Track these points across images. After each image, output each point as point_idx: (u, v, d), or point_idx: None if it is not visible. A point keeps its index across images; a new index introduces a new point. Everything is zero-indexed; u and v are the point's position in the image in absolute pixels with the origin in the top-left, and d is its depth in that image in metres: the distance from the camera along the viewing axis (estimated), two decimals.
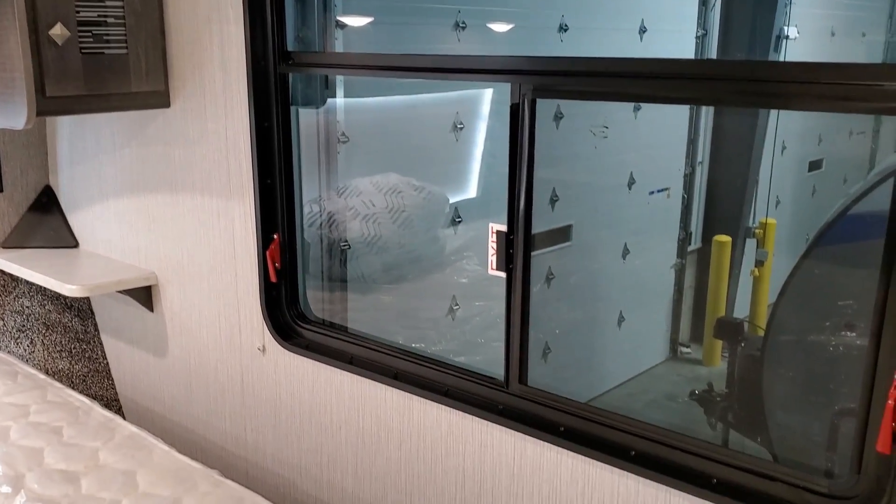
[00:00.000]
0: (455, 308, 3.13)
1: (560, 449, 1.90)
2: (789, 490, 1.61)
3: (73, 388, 3.37)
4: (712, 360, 4.24)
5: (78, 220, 3.29)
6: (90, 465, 2.35)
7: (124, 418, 3.25)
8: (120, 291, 2.97)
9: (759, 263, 3.96)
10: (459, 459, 2.12)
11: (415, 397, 2.20)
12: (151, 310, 3.02)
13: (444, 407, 2.13)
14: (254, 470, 2.77)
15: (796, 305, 2.43)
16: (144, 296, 3.00)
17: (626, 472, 1.80)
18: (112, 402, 3.48)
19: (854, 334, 2.16)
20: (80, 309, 3.47)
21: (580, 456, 1.87)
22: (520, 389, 2.01)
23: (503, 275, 1.97)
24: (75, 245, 3.32)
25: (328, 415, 2.45)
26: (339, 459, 2.45)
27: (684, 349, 4.32)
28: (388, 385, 2.25)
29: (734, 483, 1.67)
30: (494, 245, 1.97)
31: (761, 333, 2.88)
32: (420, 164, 3.59)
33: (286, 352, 2.53)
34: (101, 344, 3.48)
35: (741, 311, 4.04)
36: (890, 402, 1.40)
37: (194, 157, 2.63)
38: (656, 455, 1.78)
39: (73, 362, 3.49)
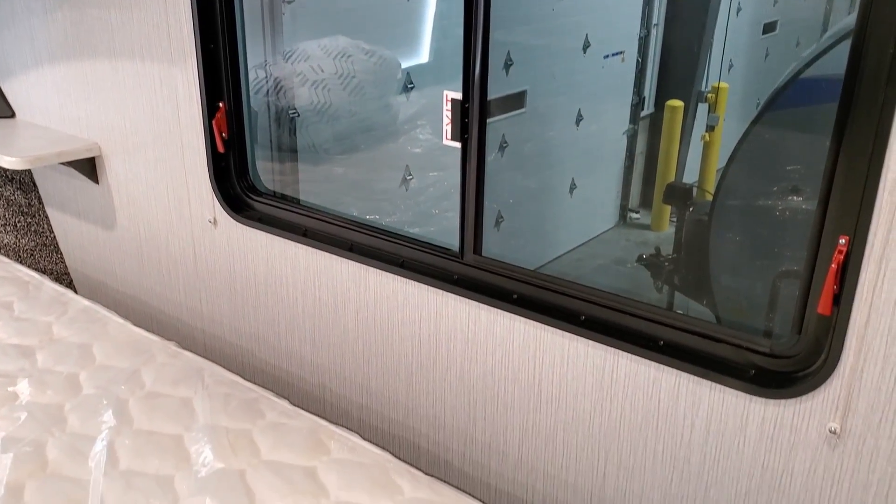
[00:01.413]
0: (409, 178, 3.10)
1: (513, 315, 1.95)
2: (733, 350, 1.68)
3: (20, 262, 3.31)
4: (660, 225, 4.32)
5: (12, 89, 3.14)
6: (44, 339, 2.34)
7: (76, 292, 3.23)
8: (63, 163, 2.87)
9: (710, 129, 3.97)
10: (415, 328, 2.16)
11: (370, 269, 2.21)
12: (96, 181, 2.94)
13: (399, 278, 2.15)
14: (211, 341, 2.80)
15: (745, 170, 2.45)
16: (88, 167, 2.91)
17: (575, 336, 1.85)
18: (62, 276, 3.44)
19: (801, 199, 2.20)
20: (23, 182, 3.36)
21: (532, 322, 1.91)
22: (474, 259, 2.03)
23: (458, 145, 1.95)
24: (11, 115, 3.18)
25: (284, 286, 2.46)
26: (296, 329, 2.48)
27: (634, 215, 4.38)
28: (344, 257, 2.25)
29: (680, 344, 1.74)
30: (449, 114, 1.93)
31: (710, 198, 2.92)
32: (370, 26, 3.46)
33: (238, 224, 2.50)
34: (46, 218, 3.40)
35: (691, 176, 4.08)
36: (833, 265, 1.44)
37: (132, 20, 2.49)
38: (605, 319, 1.84)
39: (18, 236, 3.42)
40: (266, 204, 2.46)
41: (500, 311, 1.97)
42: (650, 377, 1.76)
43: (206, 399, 2.02)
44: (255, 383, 2.18)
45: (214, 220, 2.56)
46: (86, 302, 2.58)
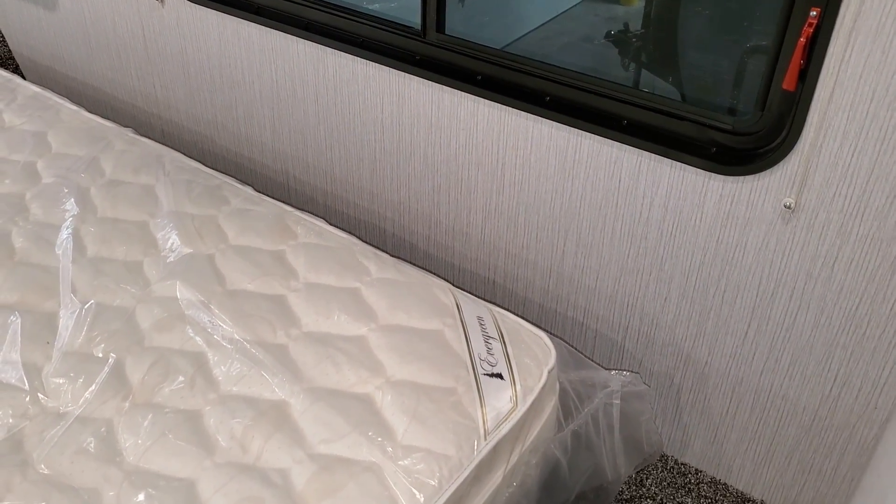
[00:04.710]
0: None
1: (477, 98, 1.91)
2: (695, 128, 1.68)
3: None
4: None
5: None
6: None
7: (24, 78, 3.10)
8: None
9: None
10: (377, 112, 2.12)
11: (328, 49, 2.12)
12: None
13: (359, 59, 2.07)
14: (168, 127, 2.74)
15: None
16: None
17: (540, 118, 1.84)
18: (7, 61, 3.28)
19: None
20: None
21: (496, 104, 1.89)
22: (437, 38, 1.96)
23: None
24: None
25: (239, 70, 2.37)
26: (255, 114, 2.43)
27: None
28: (300, 37, 2.16)
29: (643, 123, 1.73)
30: None
31: None
32: None
33: (186, 3, 2.36)
34: None
35: None
36: (802, 39, 1.41)
37: None
38: (570, 99, 1.81)
39: None
40: None
41: (464, 93, 1.93)
42: (612, 157, 1.77)
43: (169, 185, 2.01)
44: (217, 170, 2.16)
45: None
46: (35, 88, 2.48)
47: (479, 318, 1.63)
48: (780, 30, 1.49)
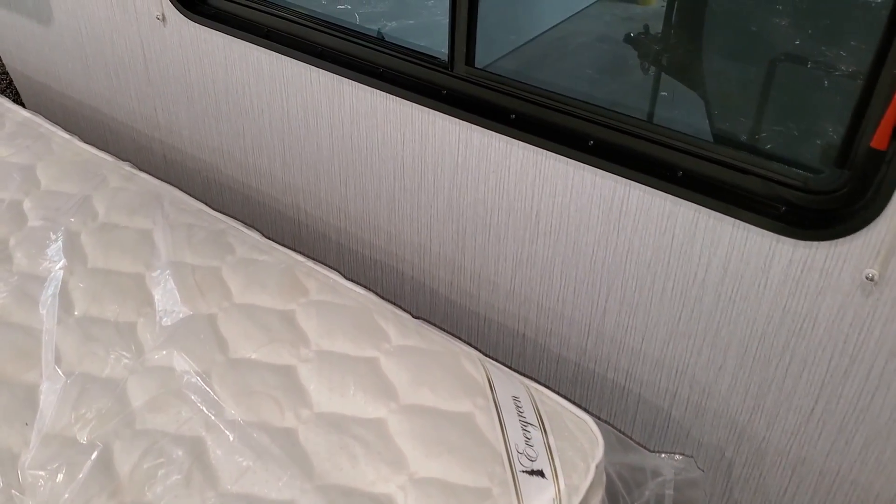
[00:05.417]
0: None
1: (510, 139, 1.71)
2: (762, 183, 1.48)
3: None
4: None
5: None
6: None
7: (18, 96, 2.91)
8: None
9: None
10: (398, 148, 1.93)
11: (345, 80, 1.93)
12: None
13: (378, 91, 1.88)
14: (171, 153, 2.55)
15: None
16: None
17: (582, 164, 1.64)
18: (1, 76, 3.10)
19: None
20: None
21: (532, 146, 1.69)
22: (466, 71, 1.76)
23: None
24: None
25: (247, 96, 2.18)
26: (264, 145, 2.23)
27: None
28: (314, 65, 1.96)
29: (701, 174, 1.54)
30: None
31: None
32: None
33: (190, 23, 2.17)
34: None
35: None
36: None
37: None
38: (617, 144, 1.62)
39: None
40: None
41: (495, 133, 1.73)
42: (665, 211, 1.57)
43: (168, 230, 1.82)
44: (223, 201, 1.97)
45: (163, 16, 2.23)
46: (25, 113, 2.29)
47: (515, 399, 1.43)
48: (871, 76, 1.28)
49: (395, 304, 1.72)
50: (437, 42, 1.91)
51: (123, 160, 2.11)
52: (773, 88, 1.91)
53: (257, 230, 1.90)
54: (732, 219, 1.49)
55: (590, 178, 1.64)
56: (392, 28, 1.99)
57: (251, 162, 2.31)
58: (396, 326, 1.60)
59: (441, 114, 1.80)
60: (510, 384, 1.47)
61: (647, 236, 1.62)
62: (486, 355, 1.62)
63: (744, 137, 1.84)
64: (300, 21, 1.99)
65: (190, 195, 2.03)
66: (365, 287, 1.74)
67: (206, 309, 1.62)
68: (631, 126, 1.59)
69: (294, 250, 1.85)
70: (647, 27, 3.04)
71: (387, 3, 2.92)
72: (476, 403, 1.42)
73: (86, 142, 2.21)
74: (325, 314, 1.61)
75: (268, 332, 1.56)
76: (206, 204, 1.99)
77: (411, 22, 2.90)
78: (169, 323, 1.58)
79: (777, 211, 1.46)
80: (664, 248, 1.61)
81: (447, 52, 1.77)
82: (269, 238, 1.89)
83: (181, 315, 1.59)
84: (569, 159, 1.65)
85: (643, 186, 1.57)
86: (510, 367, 1.59)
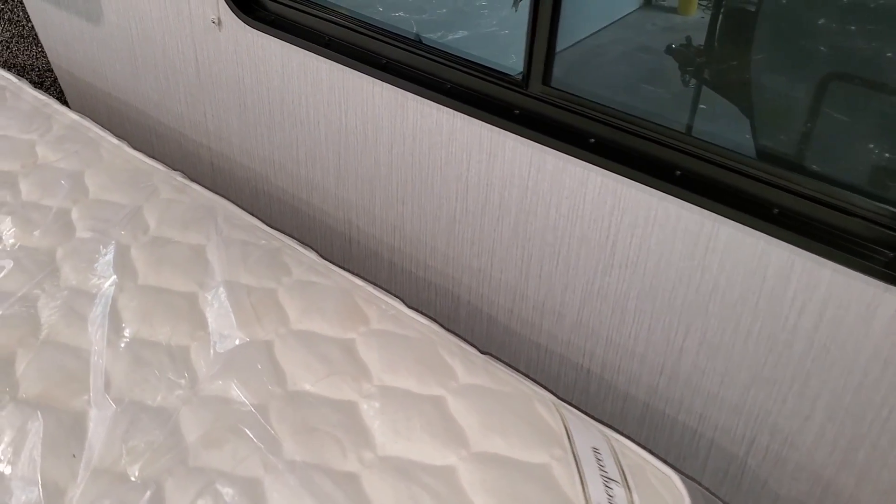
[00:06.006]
0: None
1: (587, 165, 1.61)
2: (865, 226, 1.37)
3: None
4: (688, 8, 3.84)
5: None
6: (28, 163, 2.01)
7: (62, 94, 2.85)
8: None
9: None
10: (462, 169, 1.83)
11: (409, 94, 1.83)
12: None
13: (445, 108, 1.78)
14: (219, 160, 2.47)
15: None
16: None
17: (666, 195, 1.53)
18: (45, 73, 3.04)
19: None
20: None
21: (611, 174, 1.58)
22: (542, 91, 1.66)
23: None
24: None
25: (303, 107, 2.09)
26: (318, 157, 2.14)
27: None
28: (377, 78, 1.87)
29: (800, 214, 1.42)
30: None
31: None
32: None
33: (247, 28, 2.08)
34: (21, 3, 2.94)
35: None
36: None
37: None
38: (706, 176, 1.51)
39: None
40: (282, 4, 2.03)
41: (571, 157, 1.63)
42: (757, 250, 1.46)
43: (222, 247, 1.73)
44: (271, 213, 1.87)
45: (218, 20, 2.15)
46: (74, 115, 2.22)
47: (596, 451, 1.33)
48: None
49: (457, 335, 1.62)
50: (491, 55, 1.82)
51: (175, 169, 2.02)
52: (875, 117, 1.78)
53: (313, 249, 1.81)
54: (833, 263, 1.38)
55: (674, 211, 1.54)
56: (448, 41, 1.89)
57: (303, 174, 2.22)
58: (463, 362, 1.50)
59: (512, 134, 1.70)
60: (589, 434, 1.36)
61: (735, 275, 1.51)
62: (556, 396, 1.52)
63: (845, 174, 1.71)
64: (364, 31, 1.90)
65: (240, 207, 1.95)
66: (427, 316, 1.64)
67: (262, 335, 1.53)
68: (723, 158, 1.48)
69: (350, 271, 1.76)
70: (689, 38, 2.93)
71: (443, 12, 2.82)
72: (553, 455, 1.32)
73: (133, 146, 2.13)
74: (387, 346, 1.52)
75: (328, 364, 1.47)
76: (254, 216, 1.91)
77: (465, 33, 2.80)
78: (224, 349, 1.49)
79: (884, 257, 1.35)
80: (753, 288, 1.50)
81: (523, 69, 1.67)
82: (323, 257, 1.80)
83: (237, 341, 1.51)
84: (652, 189, 1.54)
85: (734, 223, 1.46)
86: (585, 413, 1.49)
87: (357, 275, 1.75)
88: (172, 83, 2.43)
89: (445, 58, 1.78)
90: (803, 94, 1.74)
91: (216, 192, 1.97)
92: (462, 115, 1.76)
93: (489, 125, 1.73)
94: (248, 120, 2.27)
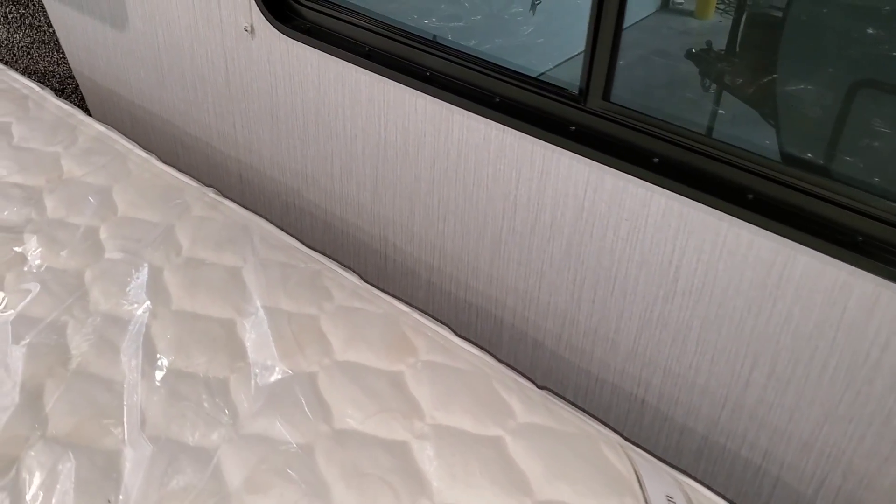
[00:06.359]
0: None
1: (650, 185, 1.51)
2: None
3: (16, 61, 2.82)
4: (706, 12, 3.74)
5: None
6: (53, 177, 1.92)
7: (83, 101, 2.77)
8: None
9: None
10: (511, 187, 1.73)
11: (455, 108, 1.74)
12: None
13: (494, 123, 1.68)
14: (248, 172, 2.38)
15: None
16: None
17: (737, 220, 1.43)
18: (67, 80, 2.96)
19: None
20: None
21: (677, 195, 1.48)
22: (601, 106, 1.56)
23: None
24: None
25: (340, 119, 2.00)
26: (354, 172, 2.05)
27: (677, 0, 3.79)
28: (420, 90, 1.77)
29: (884, 242, 1.32)
30: None
31: None
32: None
33: (282, 36, 1.99)
34: (43, 9, 2.87)
35: None
36: None
37: None
38: (782, 201, 1.41)
39: (11, 30, 2.90)
40: (319, 11, 1.94)
41: (632, 177, 1.53)
42: (838, 281, 1.36)
43: (260, 270, 1.64)
44: (302, 227, 1.77)
45: (251, 28, 2.06)
46: (100, 127, 2.13)
47: (670, 499, 1.23)
48: None
49: (511, 366, 1.53)
50: (530, 65, 1.73)
51: (205, 184, 1.93)
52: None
53: (354, 271, 1.72)
54: None
55: (746, 237, 1.44)
56: (485, 49, 1.79)
57: (338, 189, 2.13)
58: (520, 398, 1.40)
59: (567, 151, 1.60)
60: (661, 480, 1.27)
61: (812, 307, 1.41)
62: (622, 436, 1.42)
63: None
64: (406, 41, 1.81)
65: (274, 223, 1.86)
66: (478, 346, 1.54)
67: (305, 366, 1.43)
68: (801, 181, 1.38)
69: (393, 295, 1.66)
70: (710, 43, 2.83)
71: (477, 19, 2.73)
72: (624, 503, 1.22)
73: (160, 158, 2.04)
74: (439, 380, 1.42)
75: (376, 399, 1.37)
76: (289, 234, 1.81)
77: (501, 41, 2.71)
78: (265, 382, 1.40)
79: None
80: (832, 321, 1.40)
81: (581, 83, 1.57)
82: (364, 280, 1.70)
83: (279, 373, 1.41)
84: (722, 213, 1.44)
85: (813, 251, 1.36)
86: (653, 454, 1.39)
87: (402, 300, 1.65)
88: (200, 92, 2.35)
89: (495, 70, 1.69)
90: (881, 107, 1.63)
91: (249, 209, 1.88)
92: (512, 130, 1.67)
93: (542, 142, 1.63)
94: (280, 132, 2.18)
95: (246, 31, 2.07)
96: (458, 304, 2.03)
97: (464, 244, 1.91)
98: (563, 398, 1.48)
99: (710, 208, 1.45)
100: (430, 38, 1.79)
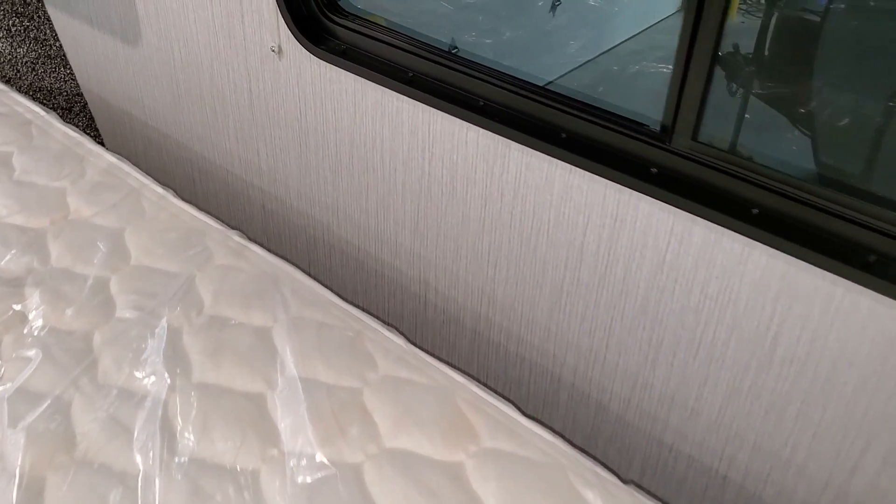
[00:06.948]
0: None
1: (749, 240, 1.30)
2: None
3: (19, 79, 2.63)
4: (728, 12, 3.56)
5: None
6: (58, 219, 1.72)
7: (92, 121, 2.56)
8: None
9: None
10: (577, 233, 1.52)
11: (512, 143, 1.53)
12: None
13: (558, 161, 1.47)
14: (272, 203, 2.17)
15: None
16: None
17: (854, 284, 1.22)
18: (75, 98, 2.76)
19: None
20: None
21: (781, 253, 1.27)
22: (689, 147, 1.35)
23: None
24: None
25: (378, 151, 1.79)
26: (392, 208, 1.84)
27: None
28: (472, 122, 1.56)
29: None
30: None
31: None
32: None
33: (313, 58, 1.79)
34: (48, 21, 2.67)
35: None
36: None
37: None
38: None
39: (14, 44, 2.70)
40: (356, 32, 1.73)
41: (726, 229, 1.32)
42: None
43: (293, 331, 1.43)
44: (330, 265, 1.57)
45: (279, 48, 1.85)
46: (110, 158, 1.93)
47: None
48: None
49: (590, 454, 1.31)
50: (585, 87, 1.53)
51: (230, 226, 1.73)
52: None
53: (400, 332, 1.51)
54: None
55: (866, 304, 1.22)
56: (535, 70, 1.59)
57: (373, 225, 1.92)
58: (602, 496, 1.19)
59: (647, 197, 1.39)
60: None
61: None
62: None
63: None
64: (456, 67, 1.60)
65: (301, 269, 1.66)
66: (550, 429, 1.33)
67: (349, 455, 1.23)
68: None
69: (447, 363, 1.45)
70: (736, 46, 2.64)
71: (519, 34, 2.52)
72: None
73: (177, 194, 1.84)
74: (507, 474, 1.21)
75: (434, 500, 1.17)
76: (320, 281, 1.61)
77: (551, 60, 2.50)
78: (303, 479, 1.19)
79: None
80: None
81: (664, 119, 1.36)
82: (411, 342, 1.49)
83: (319, 468, 1.20)
84: (836, 276, 1.23)
85: None
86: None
87: (455, 366, 1.44)
88: (221, 115, 2.14)
89: (562, 102, 1.48)
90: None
91: (276, 253, 1.68)
92: (580, 170, 1.45)
93: (617, 184, 1.42)
94: (308, 161, 1.97)
95: (273, 51, 1.86)
96: (508, 358, 1.82)
97: (517, 293, 1.70)
98: (653, 495, 1.26)
99: (821, 269, 1.24)
100: (486, 65, 1.58)
